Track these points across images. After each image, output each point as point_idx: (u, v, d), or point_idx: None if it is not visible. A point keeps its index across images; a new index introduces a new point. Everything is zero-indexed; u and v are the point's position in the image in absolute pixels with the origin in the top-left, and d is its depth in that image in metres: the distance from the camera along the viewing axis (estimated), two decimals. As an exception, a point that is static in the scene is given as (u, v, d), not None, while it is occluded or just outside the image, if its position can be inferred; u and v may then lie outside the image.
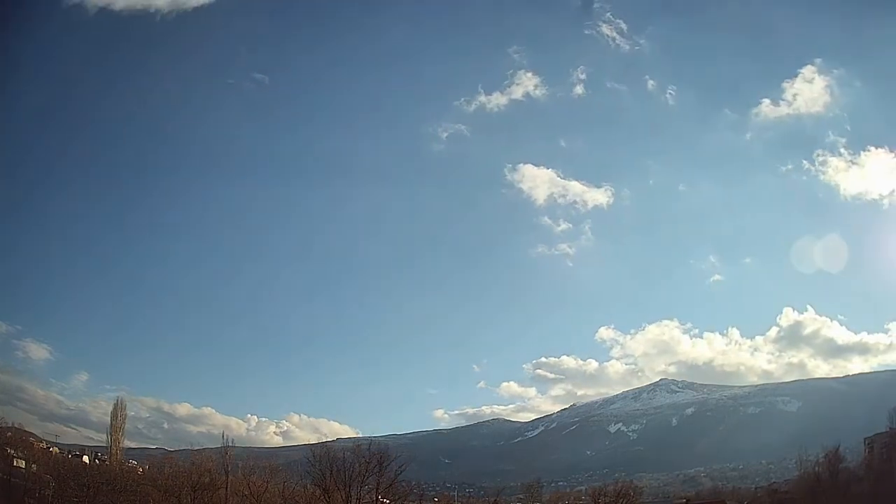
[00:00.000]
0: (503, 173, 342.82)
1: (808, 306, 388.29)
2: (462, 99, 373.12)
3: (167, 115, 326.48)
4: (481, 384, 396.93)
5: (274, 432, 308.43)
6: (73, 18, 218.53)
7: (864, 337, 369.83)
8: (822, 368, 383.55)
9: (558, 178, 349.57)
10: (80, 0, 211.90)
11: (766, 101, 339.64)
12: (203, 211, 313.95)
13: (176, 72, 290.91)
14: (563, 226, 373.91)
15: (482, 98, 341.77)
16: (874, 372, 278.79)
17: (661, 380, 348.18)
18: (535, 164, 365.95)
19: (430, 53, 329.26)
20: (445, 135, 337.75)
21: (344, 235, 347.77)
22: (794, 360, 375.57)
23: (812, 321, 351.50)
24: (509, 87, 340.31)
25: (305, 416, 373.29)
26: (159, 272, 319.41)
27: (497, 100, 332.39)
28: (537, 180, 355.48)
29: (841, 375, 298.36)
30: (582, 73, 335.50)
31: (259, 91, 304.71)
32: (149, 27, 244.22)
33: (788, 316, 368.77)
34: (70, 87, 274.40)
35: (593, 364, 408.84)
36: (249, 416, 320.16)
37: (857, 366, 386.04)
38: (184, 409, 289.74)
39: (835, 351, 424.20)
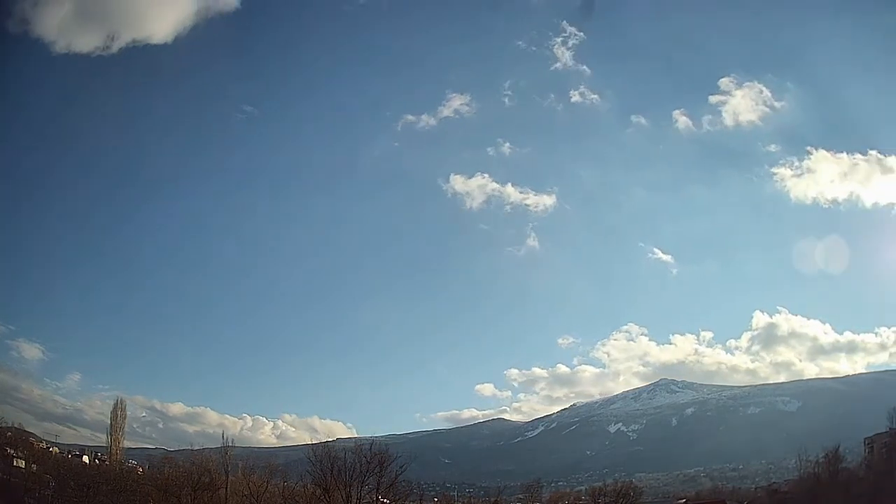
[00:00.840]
0: (438, 184, 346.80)
1: (780, 308, 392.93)
2: (388, 113, 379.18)
3: (163, 125, 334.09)
4: (458, 388, 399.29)
5: (269, 432, 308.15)
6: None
7: (847, 337, 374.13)
8: (804, 369, 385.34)
9: (496, 185, 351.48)
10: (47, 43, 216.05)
11: (695, 112, 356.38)
12: (197, 213, 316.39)
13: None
14: (509, 231, 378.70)
15: (410, 118, 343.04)
16: (873, 372, 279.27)
17: (660, 380, 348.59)
18: (469, 175, 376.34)
19: (363, 78, 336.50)
20: (377, 152, 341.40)
21: (332, 243, 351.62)
22: (777, 360, 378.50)
23: (786, 321, 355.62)
24: (438, 107, 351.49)
25: (300, 416, 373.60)
26: (151, 273, 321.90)
27: (426, 120, 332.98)
28: (476, 188, 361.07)
29: (840, 375, 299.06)
30: (509, 89, 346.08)
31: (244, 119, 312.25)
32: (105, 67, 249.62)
33: (759, 318, 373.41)
34: (67, 106, 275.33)
35: (563, 369, 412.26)
36: (244, 415, 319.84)
37: (844, 366, 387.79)
38: (177, 408, 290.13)
39: (816, 351, 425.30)
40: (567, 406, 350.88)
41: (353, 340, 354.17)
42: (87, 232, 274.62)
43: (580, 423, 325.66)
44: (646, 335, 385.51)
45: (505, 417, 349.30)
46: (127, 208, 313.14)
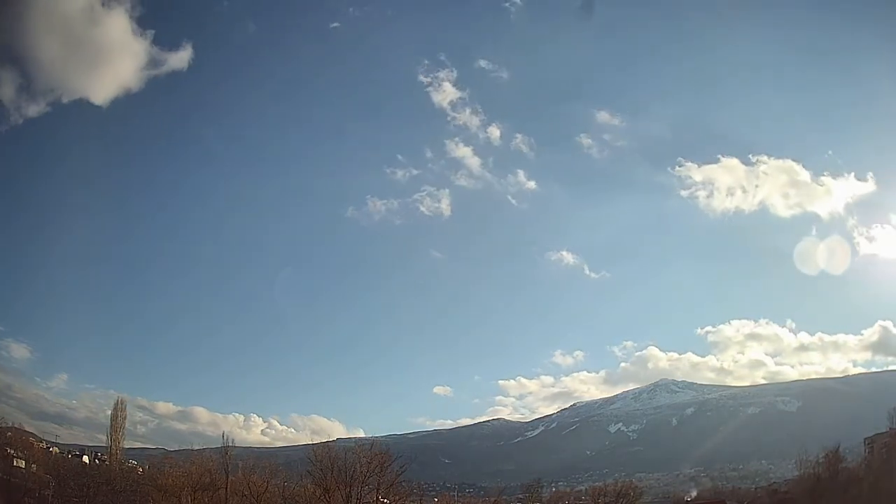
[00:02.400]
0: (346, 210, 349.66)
1: (719, 316, 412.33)
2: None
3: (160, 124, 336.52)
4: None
5: (260, 430, 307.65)
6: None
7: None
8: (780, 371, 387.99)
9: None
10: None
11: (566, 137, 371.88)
12: (190, 215, 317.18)
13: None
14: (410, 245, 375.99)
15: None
16: (874, 372, 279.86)
17: (660, 380, 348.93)
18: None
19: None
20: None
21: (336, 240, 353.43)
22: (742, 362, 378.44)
23: (730, 328, 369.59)
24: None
25: (295, 415, 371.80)
26: (137, 273, 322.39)
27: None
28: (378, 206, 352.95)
29: (840, 375, 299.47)
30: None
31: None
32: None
33: (703, 328, 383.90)
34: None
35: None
36: (236, 414, 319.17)
37: (817, 367, 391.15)
38: (167, 406, 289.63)
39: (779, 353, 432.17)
40: (567, 406, 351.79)
41: (345, 341, 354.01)
42: (74, 233, 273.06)
43: (580, 423, 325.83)
44: (583, 350, 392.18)
45: (505, 417, 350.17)
46: (113, 209, 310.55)
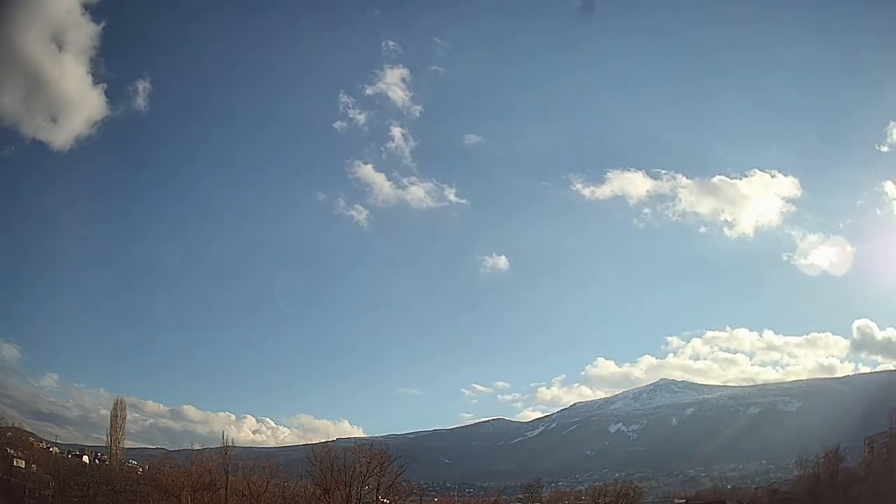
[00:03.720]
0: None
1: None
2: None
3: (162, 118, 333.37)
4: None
5: (252, 430, 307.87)
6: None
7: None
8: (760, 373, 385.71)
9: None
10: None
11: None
12: (186, 214, 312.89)
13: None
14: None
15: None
16: (873, 372, 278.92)
17: (661, 380, 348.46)
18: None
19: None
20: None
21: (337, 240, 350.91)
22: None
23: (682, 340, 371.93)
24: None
25: (287, 415, 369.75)
26: (128, 273, 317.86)
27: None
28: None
29: (840, 375, 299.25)
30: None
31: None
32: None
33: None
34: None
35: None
36: (229, 413, 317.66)
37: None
38: (157, 405, 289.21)
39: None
40: (567, 406, 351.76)
41: (342, 343, 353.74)
42: (61, 237, 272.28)
43: (580, 423, 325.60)
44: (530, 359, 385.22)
45: (505, 417, 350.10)
46: (105, 210, 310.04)
